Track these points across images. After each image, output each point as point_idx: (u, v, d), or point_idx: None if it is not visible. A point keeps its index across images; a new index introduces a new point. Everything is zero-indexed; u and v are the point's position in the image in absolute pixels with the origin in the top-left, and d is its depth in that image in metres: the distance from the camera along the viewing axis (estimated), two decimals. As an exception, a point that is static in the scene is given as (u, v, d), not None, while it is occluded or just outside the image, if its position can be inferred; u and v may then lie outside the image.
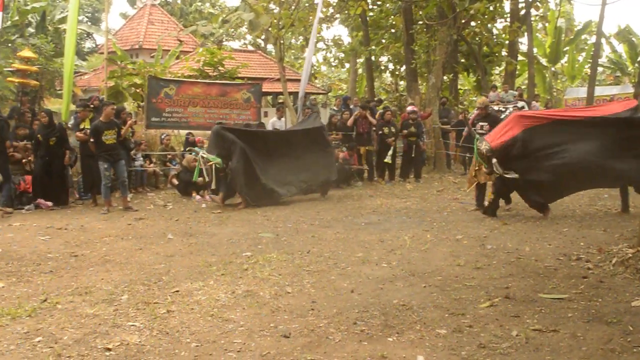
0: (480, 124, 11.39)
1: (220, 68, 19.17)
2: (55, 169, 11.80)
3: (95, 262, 7.41)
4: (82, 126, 12.03)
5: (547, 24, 30.12)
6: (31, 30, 21.87)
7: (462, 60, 26.19)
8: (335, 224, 9.82)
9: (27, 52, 15.30)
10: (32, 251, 7.96)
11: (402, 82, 29.34)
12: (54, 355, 4.43)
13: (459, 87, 27.83)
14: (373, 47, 25.83)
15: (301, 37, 31.80)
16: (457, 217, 10.36)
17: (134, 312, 5.40)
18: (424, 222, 9.84)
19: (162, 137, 15.15)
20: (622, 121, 9.98)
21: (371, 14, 25.76)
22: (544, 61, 30.86)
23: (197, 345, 4.63)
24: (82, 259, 7.60)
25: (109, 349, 4.54)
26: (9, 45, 19.20)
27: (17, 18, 20.59)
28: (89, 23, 34.48)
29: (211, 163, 11.26)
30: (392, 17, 24.54)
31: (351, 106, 17.88)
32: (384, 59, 30.08)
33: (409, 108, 16.95)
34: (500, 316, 5.19)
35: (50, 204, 11.72)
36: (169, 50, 22.96)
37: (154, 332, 4.89)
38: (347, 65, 34.42)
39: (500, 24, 23.78)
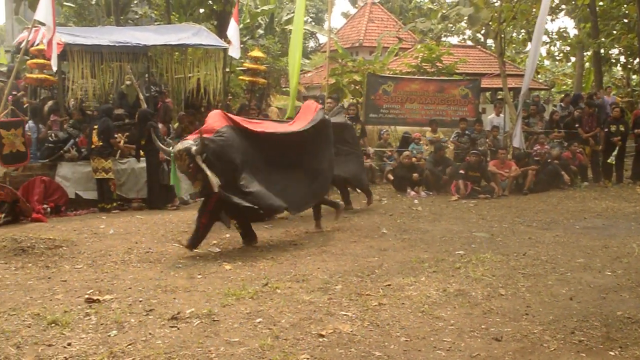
0: None
1: (438, 64, 19.09)
2: None
3: (312, 251, 7.75)
4: None
5: None
6: (260, 31, 23.38)
7: None
8: (555, 227, 9.36)
9: (256, 52, 16.33)
10: (256, 238, 8.52)
11: (634, 76, 27.17)
12: (272, 336, 4.71)
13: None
14: (602, 39, 24.17)
15: (523, 31, 30.62)
16: (695, 225, 9.36)
17: (347, 302, 5.56)
18: (656, 229, 9.02)
19: (382, 132, 15.43)
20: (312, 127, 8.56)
21: (601, 3, 24.16)
22: None
23: (406, 340, 4.66)
24: (300, 247, 7.99)
25: (323, 335, 4.73)
26: (241, 45, 20.66)
27: (248, 21, 22.15)
28: (313, 23, 36.06)
29: None
30: (625, 5, 22.80)
31: (580, 103, 16.86)
32: (614, 51, 28.07)
33: (643, 104, 15.66)
34: None
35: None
36: (388, 48, 23.28)
37: (365, 323, 5.01)
38: (573, 59, 32.55)
39: None
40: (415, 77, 16.80)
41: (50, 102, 13.00)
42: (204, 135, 7.54)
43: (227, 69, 14.63)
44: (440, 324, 5.02)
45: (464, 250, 7.69)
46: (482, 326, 4.94)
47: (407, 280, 6.26)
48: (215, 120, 8.03)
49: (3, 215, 9.88)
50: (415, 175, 13.08)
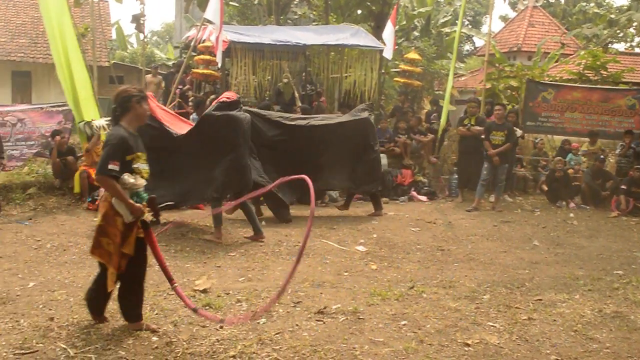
0: None
1: (602, 72, 18.06)
2: None
3: (460, 258, 7.62)
4: (466, 122, 12.40)
5: None
6: (416, 33, 23.27)
7: None
8: None
9: (412, 54, 16.29)
10: (403, 240, 8.50)
11: None
12: (417, 340, 4.68)
13: None
14: None
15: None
16: None
17: (494, 313, 5.42)
18: None
19: (536, 141, 14.90)
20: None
21: None
22: None
23: (557, 359, 4.47)
24: (447, 253, 7.87)
25: (468, 345, 4.63)
26: (396, 47, 20.70)
27: (404, 22, 22.12)
28: (470, 26, 35.40)
29: None
30: None
31: None
32: None
33: None
34: None
35: (424, 198, 12.41)
36: (548, 53, 22.40)
37: (513, 337, 4.85)
38: None
39: None
40: (578, 84, 15.99)
41: (212, 96, 13.69)
42: None
43: (382, 70, 14.68)
44: (595, 345, 4.76)
45: (623, 270, 7.25)
46: (642, 352, 4.64)
47: (559, 297, 5.99)
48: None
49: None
50: (557, 172, 12.39)
